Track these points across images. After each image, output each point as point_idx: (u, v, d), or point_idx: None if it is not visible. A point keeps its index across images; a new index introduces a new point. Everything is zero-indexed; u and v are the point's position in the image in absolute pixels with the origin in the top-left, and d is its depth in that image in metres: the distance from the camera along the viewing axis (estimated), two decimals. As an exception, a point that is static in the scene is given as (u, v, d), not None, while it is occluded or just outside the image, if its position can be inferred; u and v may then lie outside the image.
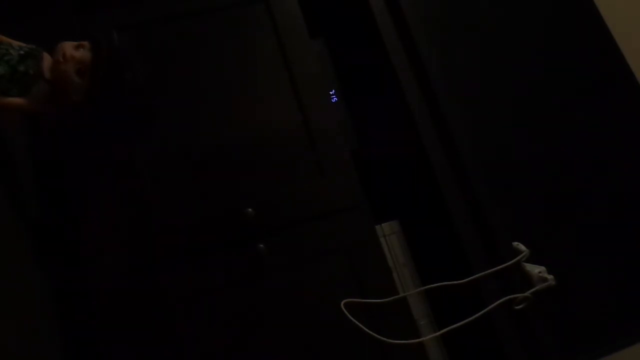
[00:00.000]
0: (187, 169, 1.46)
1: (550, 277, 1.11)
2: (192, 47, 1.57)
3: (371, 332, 1.02)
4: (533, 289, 1.08)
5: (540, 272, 1.13)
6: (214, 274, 1.38)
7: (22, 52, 1.15)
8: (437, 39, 1.75)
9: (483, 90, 1.75)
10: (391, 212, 1.77)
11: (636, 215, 1.69)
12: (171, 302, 1.35)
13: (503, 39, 1.82)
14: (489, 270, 1.15)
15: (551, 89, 1.80)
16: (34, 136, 1.49)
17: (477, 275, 1.15)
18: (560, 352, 1.50)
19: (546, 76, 1.81)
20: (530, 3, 1.88)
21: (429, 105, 1.67)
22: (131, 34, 1.53)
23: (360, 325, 1.02)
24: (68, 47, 1.20)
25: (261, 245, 1.39)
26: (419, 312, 1.61)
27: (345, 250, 1.45)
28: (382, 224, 1.69)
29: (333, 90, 1.85)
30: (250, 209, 1.41)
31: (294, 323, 1.37)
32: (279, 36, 1.61)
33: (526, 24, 1.86)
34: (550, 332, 1.50)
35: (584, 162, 1.72)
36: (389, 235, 1.70)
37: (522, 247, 1.14)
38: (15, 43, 1.18)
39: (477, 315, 1.01)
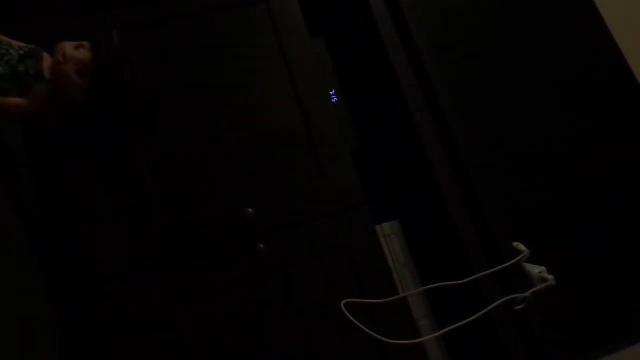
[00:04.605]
0: (187, 169, 1.46)
1: (550, 277, 1.11)
2: (192, 47, 1.57)
3: (371, 332, 1.01)
4: (533, 289, 1.08)
5: (540, 272, 1.13)
6: (214, 273, 1.38)
7: (22, 52, 1.15)
8: (437, 38, 1.75)
9: (483, 90, 1.75)
10: (391, 212, 1.77)
11: (636, 215, 1.69)
12: (171, 302, 1.35)
13: (503, 39, 1.82)
14: (489, 270, 1.14)
15: (551, 88, 1.79)
16: (34, 136, 1.49)
17: (477, 275, 1.14)
18: (560, 352, 1.50)
19: (546, 75, 1.81)
20: (530, 2, 1.88)
21: (429, 105, 1.67)
22: (131, 34, 1.53)
23: (360, 325, 1.02)
24: (68, 47, 1.20)
25: (261, 245, 1.39)
26: (419, 312, 1.61)
27: (345, 250, 1.45)
28: (382, 224, 1.69)
29: (333, 90, 1.85)
30: (250, 209, 1.41)
31: (294, 323, 1.38)
32: (279, 36, 1.61)
33: (526, 22, 1.86)
34: (550, 332, 1.50)
35: (584, 161, 1.72)
36: (389, 235, 1.70)
37: (522, 247, 1.13)
38: (15, 43, 1.18)
39: (477, 315, 1.00)
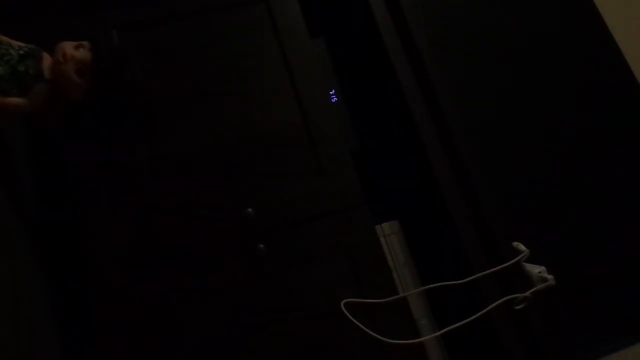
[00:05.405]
0: (187, 169, 1.46)
1: (550, 277, 1.11)
2: (192, 47, 1.57)
3: (371, 332, 1.01)
4: (533, 289, 1.08)
5: (540, 272, 1.13)
6: (214, 274, 1.38)
7: (22, 52, 1.16)
8: (437, 38, 1.75)
9: (483, 90, 1.75)
10: (391, 212, 1.77)
11: (636, 214, 1.69)
12: (171, 303, 1.35)
13: (503, 38, 1.82)
14: (489, 270, 1.14)
15: (551, 88, 1.79)
16: (34, 136, 1.49)
17: (477, 275, 1.14)
18: (560, 352, 1.50)
19: (546, 76, 1.81)
20: (530, 3, 1.88)
21: (429, 105, 1.67)
22: (131, 34, 1.53)
23: (360, 325, 1.02)
24: (68, 47, 1.20)
25: (261, 245, 1.39)
26: (419, 312, 1.61)
27: (345, 250, 1.45)
28: (382, 224, 1.69)
29: (333, 90, 1.85)
30: (250, 209, 1.41)
31: (294, 323, 1.37)
32: (279, 36, 1.61)
33: (526, 23, 1.86)
34: (550, 332, 1.50)
35: (584, 161, 1.72)
36: (389, 235, 1.70)
37: (522, 247, 1.13)
38: (15, 43, 1.18)
39: (477, 315, 1.00)
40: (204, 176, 1.46)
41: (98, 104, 1.28)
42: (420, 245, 1.72)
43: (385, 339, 1.00)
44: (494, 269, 1.14)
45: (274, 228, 1.44)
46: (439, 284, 1.11)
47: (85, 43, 1.23)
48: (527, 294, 1.06)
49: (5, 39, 1.18)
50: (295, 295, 1.40)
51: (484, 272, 1.15)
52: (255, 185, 1.47)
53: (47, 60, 1.19)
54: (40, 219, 1.40)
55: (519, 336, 1.48)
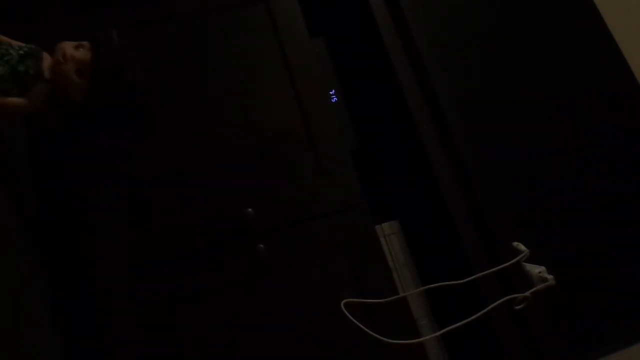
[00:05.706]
0: (187, 168, 1.46)
1: (550, 277, 1.11)
2: (192, 47, 1.57)
3: (371, 332, 1.01)
4: (533, 289, 1.08)
5: (540, 272, 1.13)
6: (214, 274, 1.38)
7: (22, 52, 1.15)
8: (437, 38, 1.75)
9: (483, 90, 1.75)
10: (391, 212, 1.77)
11: (636, 214, 1.69)
12: (171, 303, 1.35)
13: (503, 38, 1.82)
14: (489, 270, 1.14)
15: (552, 88, 1.79)
16: (34, 136, 1.49)
17: (477, 275, 1.14)
18: (560, 352, 1.50)
19: (546, 76, 1.81)
20: (530, 3, 1.88)
21: (429, 105, 1.67)
22: (131, 34, 1.53)
23: (360, 325, 1.02)
24: (68, 47, 1.20)
25: (261, 245, 1.39)
26: (419, 312, 1.61)
27: (345, 250, 1.45)
28: (382, 224, 1.69)
29: (333, 90, 1.85)
30: (250, 209, 1.41)
31: (293, 323, 1.38)
32: (279, 36, 1.61)
33: (526, 23, 1.86)
34: (550, 332, 1.50)
35: (584, 162, 1.72)
36: (389, 235, 1.70)
37: (522, 247, 1.13)
38: (15, 43, 1.18)
39: (477, 315, 1.00)
40: (204, 176, 1.46)
41: (98, 104, 1.28)
42: (420, 245, 1.72)
43: (385, 339, 1.00)
44: (494, 269, 1.14)
45: (274, 228, 1.44)
46: (439, 284, 1.11)
47: (85, 43, 1.23)
48: (527, 294, 1.06)
49: (5, 39, 1.18)
50: (295, 295, 1.40)
51: (484, 272, 1.15)
52: (255, 185, 1.47)
53: (47, 60, 1.19)
54: (40, 219, 1.40)
55: (519, 336, 1.48)
